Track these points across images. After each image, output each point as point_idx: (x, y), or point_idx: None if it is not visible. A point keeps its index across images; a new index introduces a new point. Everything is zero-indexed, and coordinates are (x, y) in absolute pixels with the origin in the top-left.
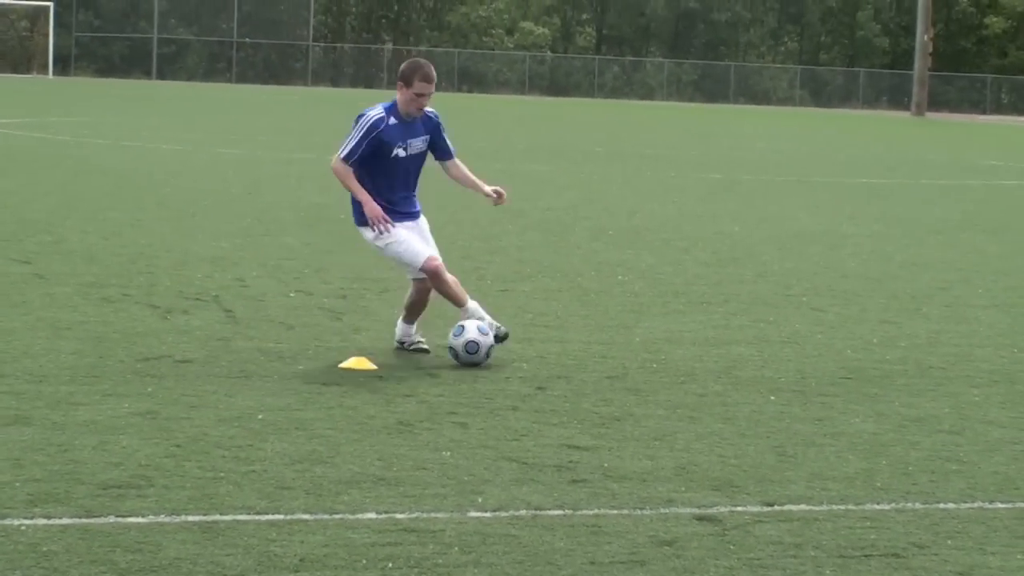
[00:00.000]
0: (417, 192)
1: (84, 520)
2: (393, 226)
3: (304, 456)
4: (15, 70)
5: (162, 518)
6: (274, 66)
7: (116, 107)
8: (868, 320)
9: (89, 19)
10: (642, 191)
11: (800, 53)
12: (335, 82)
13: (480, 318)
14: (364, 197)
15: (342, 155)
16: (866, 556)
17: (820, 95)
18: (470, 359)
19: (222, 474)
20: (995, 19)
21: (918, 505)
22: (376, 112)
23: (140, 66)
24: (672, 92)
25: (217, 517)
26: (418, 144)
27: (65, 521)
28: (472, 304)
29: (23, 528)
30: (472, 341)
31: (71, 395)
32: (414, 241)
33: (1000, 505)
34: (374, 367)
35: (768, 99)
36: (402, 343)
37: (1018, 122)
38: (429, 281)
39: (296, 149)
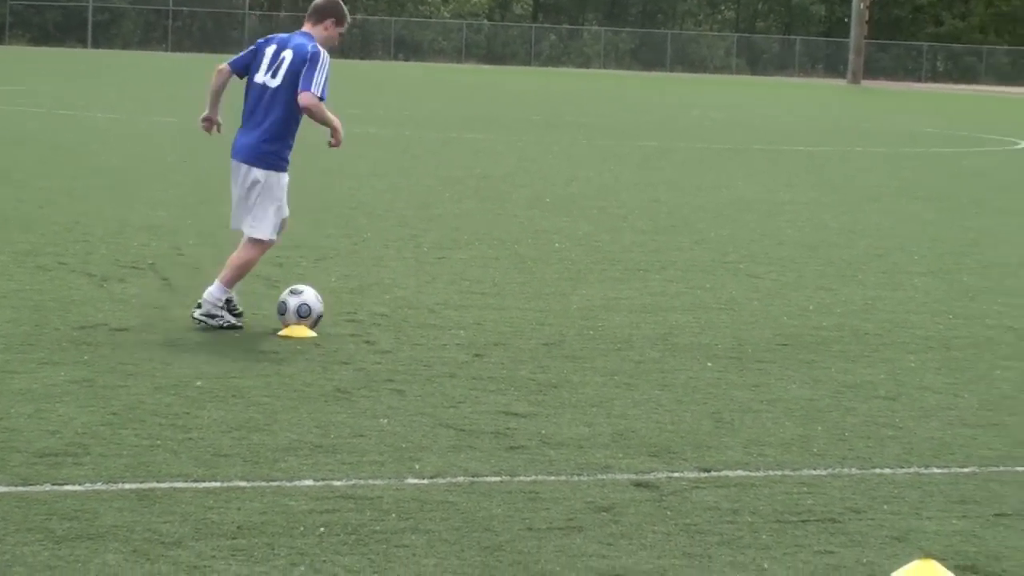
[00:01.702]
0: None
1: (20, 488)
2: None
3: (241, 423)
4: None
5: (99, 486)
6: (210, 34)
7: (51, 76)
8: (804, 287)
9: None
10: (579, 159)
11: (737, 21)
12: None
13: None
14: (339, 123)
15: (322, 94)
16: (803, 521)
17: (756, 63)
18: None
19: (159, 442)
20: None
21: (854, 470)
22: (322, 48)
23: (75, 34)
24: (609, 60)
25: (154, 485)
26: None
27: (1, 489)
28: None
29: None
30: (305, 304)
31: (6, 363)
32: None
33: (935, 470)
34: (312, 334)
35: (705, 67)
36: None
37: (954, 90)
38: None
39: (232, 118)
